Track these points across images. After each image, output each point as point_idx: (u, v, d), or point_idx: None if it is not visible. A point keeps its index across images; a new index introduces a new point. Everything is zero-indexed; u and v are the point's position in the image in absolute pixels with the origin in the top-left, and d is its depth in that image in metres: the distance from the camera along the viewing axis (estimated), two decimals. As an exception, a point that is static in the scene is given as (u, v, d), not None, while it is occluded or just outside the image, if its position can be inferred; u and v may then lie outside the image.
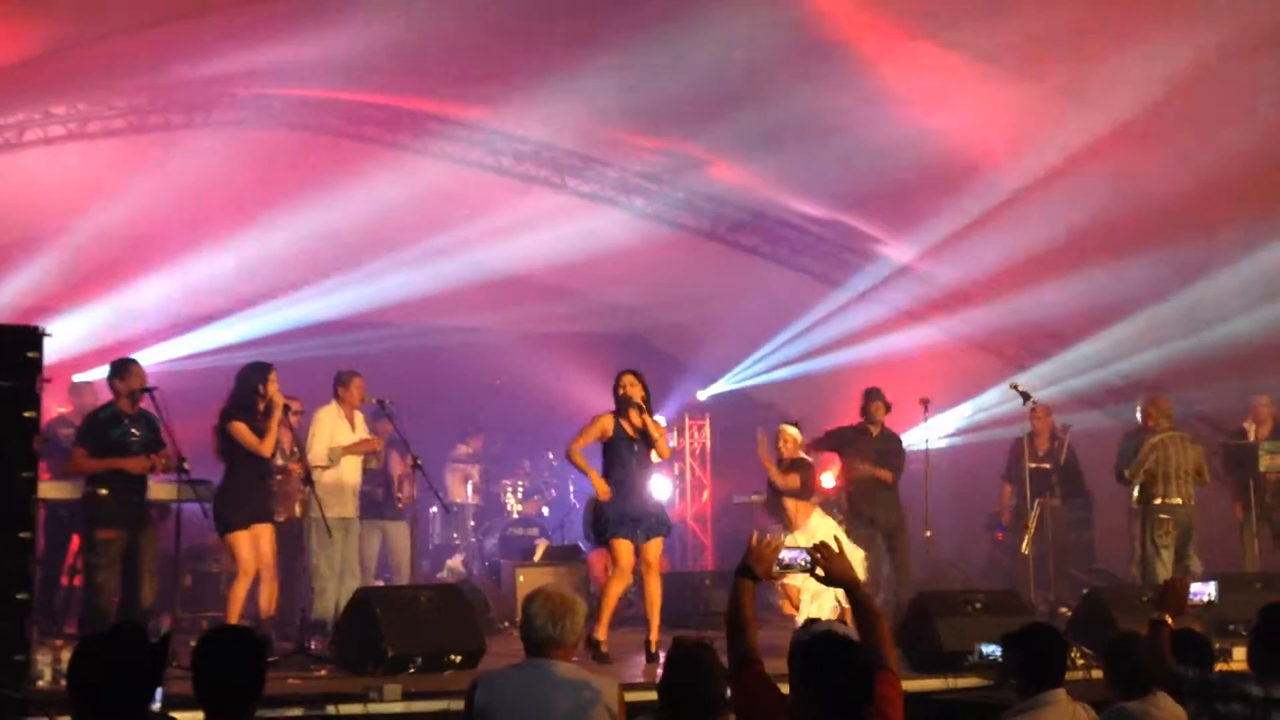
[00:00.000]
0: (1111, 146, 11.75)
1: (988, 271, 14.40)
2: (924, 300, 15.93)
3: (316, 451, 10.03)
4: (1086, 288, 13.62)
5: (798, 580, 8.99)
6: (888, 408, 11.52)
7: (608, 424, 9.32)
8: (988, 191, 12.90)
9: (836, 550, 4.61)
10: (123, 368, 9.18)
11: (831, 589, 7.16)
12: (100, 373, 10.39)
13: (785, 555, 4.57)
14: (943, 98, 12.19)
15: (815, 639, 4.12)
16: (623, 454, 9.30)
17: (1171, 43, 10.27)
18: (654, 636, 9.14)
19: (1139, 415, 11.59)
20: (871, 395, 11.53)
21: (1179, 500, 11.04)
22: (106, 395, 9.32)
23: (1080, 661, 8.01)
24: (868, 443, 11.49)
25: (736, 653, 4.47)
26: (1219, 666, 5.74)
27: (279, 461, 9.90)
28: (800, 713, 4.05)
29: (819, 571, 4.59)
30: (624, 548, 9.13)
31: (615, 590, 9.20)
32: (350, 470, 10.36)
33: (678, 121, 13.48)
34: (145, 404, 9.11)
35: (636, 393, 9.30)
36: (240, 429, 9.18)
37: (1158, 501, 11.05)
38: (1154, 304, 13.42)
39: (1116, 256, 12.98)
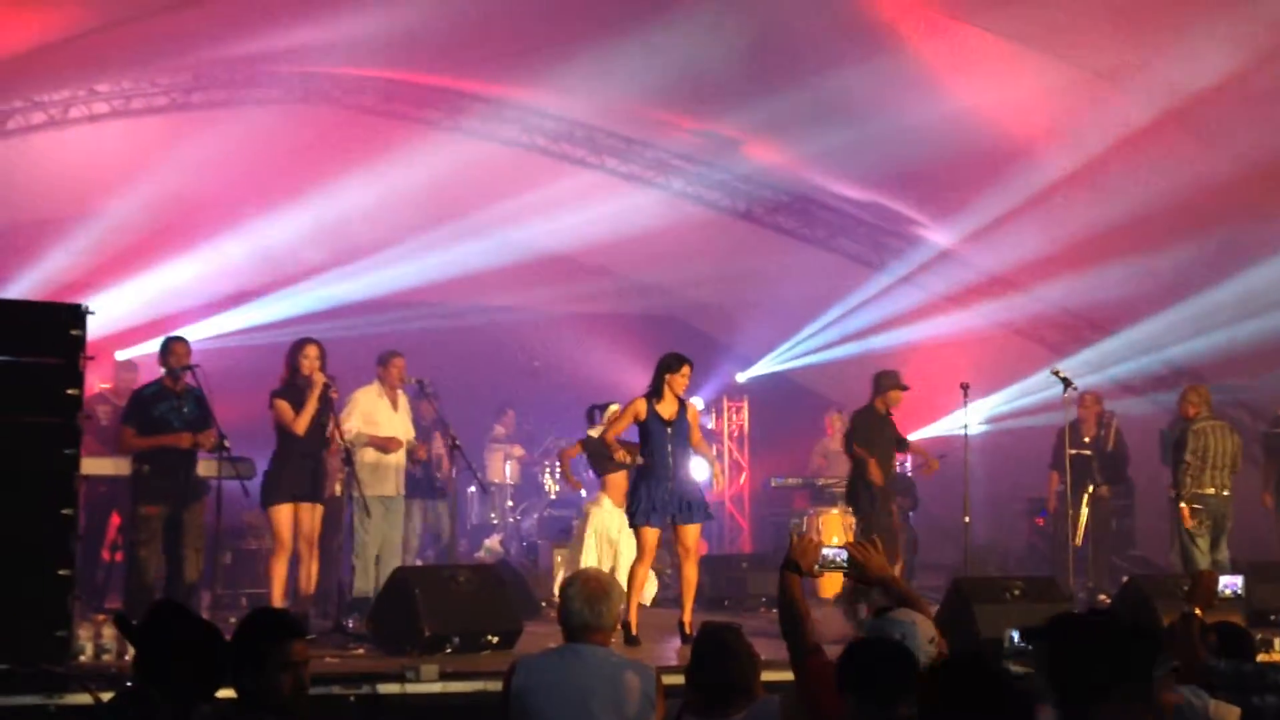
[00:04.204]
0: (1158, 131, 11.62)
1: (1032, 256, 14.25)
2: (967, 285, 15.79)
3: (345, 429, 9.83)
4: (1132, 274, 13.47)
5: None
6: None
7: (641, 407, 9.16)
8: (1030, 175, 12.77)
9: (875, 549, 4.79)
10: (166, 346, 9.28)
11: None
12: (143, 349, 10.46)
13: (827, 553, 4.80)
14: (982, 80, 12.07)
15: (856, 647, 4.10)
16: (656, 437, 9.14)
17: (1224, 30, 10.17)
18: (687, 619, 9.07)
19: (1178, 404, 11.47)
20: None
21: (1211, 490, 10.83)
22: (148, 372, 9.41)
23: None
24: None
25: (797, 643, 4.56)
26: (1260, 658, 5.66)
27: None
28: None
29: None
30: (650, 535, 9.06)
31: (640, 574, 9.15)
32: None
33: (715, 101, 13.40)
34: (190, 381, 9.20)
35: (681, 386, 9.23)
36: (280, 406, 9.28)
37: (1193, 491, 10.90)
38: (1203, 290, 13.19)
39: (1160, 244, 12.83)
